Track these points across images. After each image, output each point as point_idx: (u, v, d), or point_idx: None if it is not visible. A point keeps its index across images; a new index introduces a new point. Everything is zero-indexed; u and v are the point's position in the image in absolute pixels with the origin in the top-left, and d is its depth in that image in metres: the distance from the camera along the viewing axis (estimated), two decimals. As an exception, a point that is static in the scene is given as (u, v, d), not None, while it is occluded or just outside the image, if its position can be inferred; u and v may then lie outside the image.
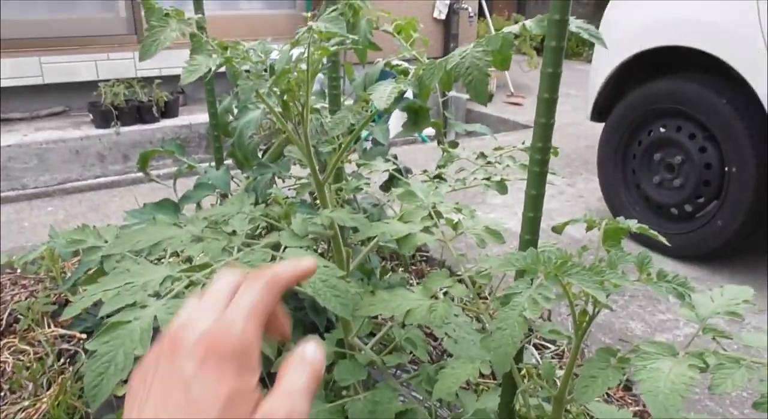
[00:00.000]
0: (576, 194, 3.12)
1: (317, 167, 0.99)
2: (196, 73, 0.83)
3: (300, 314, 1.51)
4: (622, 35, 2.53)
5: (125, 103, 3.48)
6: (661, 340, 0.60)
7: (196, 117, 3.67)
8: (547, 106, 0.75)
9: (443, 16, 4.83)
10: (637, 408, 1.43)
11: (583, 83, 2.84)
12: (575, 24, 0.76)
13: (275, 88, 0.86)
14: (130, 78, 3.62)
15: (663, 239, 0.72)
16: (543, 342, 1.73)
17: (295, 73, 0.87)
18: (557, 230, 0.77)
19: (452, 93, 1.47)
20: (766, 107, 2.03)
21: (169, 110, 3.65)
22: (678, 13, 2.32)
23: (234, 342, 0.34)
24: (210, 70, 0.85)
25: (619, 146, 2.61)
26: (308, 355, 0.36)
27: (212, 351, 0.33)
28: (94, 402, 0.59)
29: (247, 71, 0.88)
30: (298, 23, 3.72)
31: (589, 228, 0.76)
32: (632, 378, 0.57)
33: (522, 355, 0.81)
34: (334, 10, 0.91)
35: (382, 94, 0.79)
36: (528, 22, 0.80)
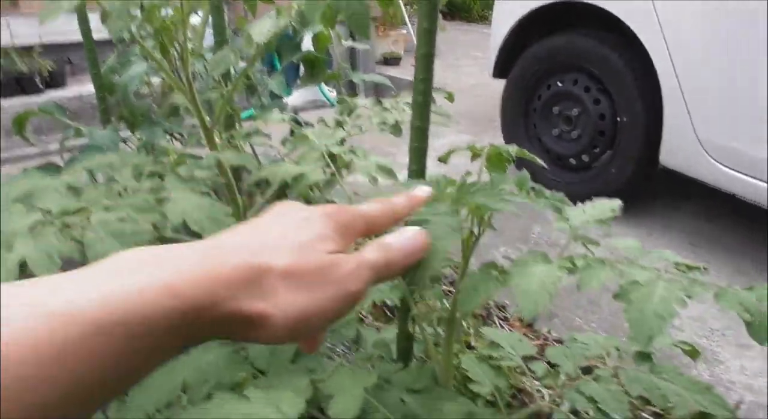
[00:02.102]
0: (483, 151, 3.19)
1: (207, 116, 0.95)
2: (56, 12, 0.77)
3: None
4: (520, -9, 2.59)
5: (2, 74, 3.21)
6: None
7: (88, 88, 3.43)
8: (427, 37, 0.75)
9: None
10: (537, 342, 1.50)
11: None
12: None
13: (148, 28, 0.82)
14: (5, 47, 3.33)
15: (541, 162, 0.75)
16: (453, 289, 1.78)
17: (170, 11, 0.82)
18: (443, 159, 0.78)
19: (354, 44, 1.45)
20: (653, 60, 2.15)
21: (55, 81, 3.41)
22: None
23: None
24: (73, 8, 0.79)
25: (521, 101, 2.69)
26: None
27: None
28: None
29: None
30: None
31: (473, 156, 0.78)
32: (508, 284, 0.59)
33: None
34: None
35: (261, 29, 0.77)
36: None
